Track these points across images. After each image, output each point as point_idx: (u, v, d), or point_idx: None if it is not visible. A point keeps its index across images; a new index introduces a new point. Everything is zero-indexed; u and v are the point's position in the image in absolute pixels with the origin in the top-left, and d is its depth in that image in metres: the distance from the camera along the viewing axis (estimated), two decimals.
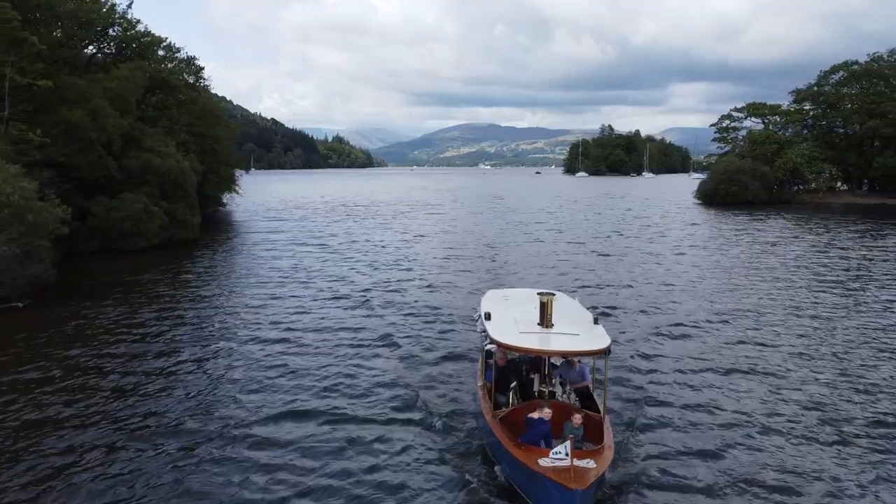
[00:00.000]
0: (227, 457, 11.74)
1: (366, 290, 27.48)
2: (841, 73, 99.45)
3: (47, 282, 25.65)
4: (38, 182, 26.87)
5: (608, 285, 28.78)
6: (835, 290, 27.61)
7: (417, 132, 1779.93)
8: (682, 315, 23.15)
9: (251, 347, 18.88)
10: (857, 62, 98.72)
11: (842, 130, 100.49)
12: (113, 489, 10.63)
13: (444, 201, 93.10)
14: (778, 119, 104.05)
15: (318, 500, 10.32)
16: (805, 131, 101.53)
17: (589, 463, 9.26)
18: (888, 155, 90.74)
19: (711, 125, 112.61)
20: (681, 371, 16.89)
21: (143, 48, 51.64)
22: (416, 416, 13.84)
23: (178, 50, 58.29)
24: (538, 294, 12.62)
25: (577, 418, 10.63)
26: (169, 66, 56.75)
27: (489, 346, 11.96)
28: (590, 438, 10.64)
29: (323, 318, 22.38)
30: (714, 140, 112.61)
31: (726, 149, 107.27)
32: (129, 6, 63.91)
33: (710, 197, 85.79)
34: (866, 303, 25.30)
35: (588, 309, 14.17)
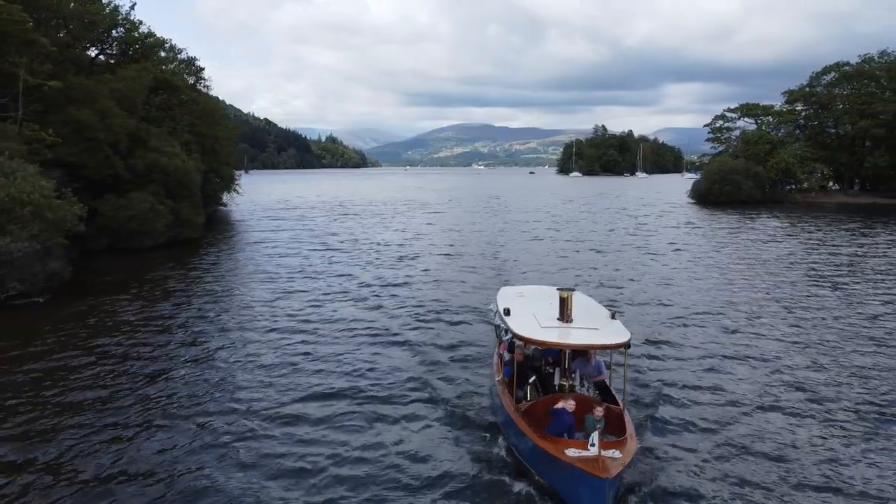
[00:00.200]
0: (266, 433, 12.69)
1: (373, 285, 28.34)
2: (832, 74, 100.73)
3: (63, 278, 26.36)
4: (55, 181, 27.58)
5: (609, 281, 29.67)
6: (825, 284, 28.61)
7: (411, 132, 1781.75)
8: (680, 308, 24.13)
9: (271, 336, 19.83)
10: (848, 63, 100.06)
11: (833, 131, 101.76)
12: (166, 461, 11.55)
13: (441, 201, 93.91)
14: (771, 119, 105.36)
15: (354, 467, 11.30)
16: (797, 131, 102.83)
17: (615, 453, 9.58)
18: (879, 155, 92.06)
19: (705, 125, 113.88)
20: (682, 359, 17.87)
21: (145, 49, 52.33)
22: (434, 396, 14.76)
23: (180, 51, 58.96)
24: (558, 290, 12.99)
25: (599, 411, 10.82)
26: (170, 66, 57.46)
27: (511, 340, 12.27)
28: (611, 430, 10.80)
29: (335, 311, 23.24)
30: (708, 140, 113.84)
31: (720, 149, 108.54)
32: (132, 8, 64.64)
33: (704, 196, 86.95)
34: (855, 295, 26.30)
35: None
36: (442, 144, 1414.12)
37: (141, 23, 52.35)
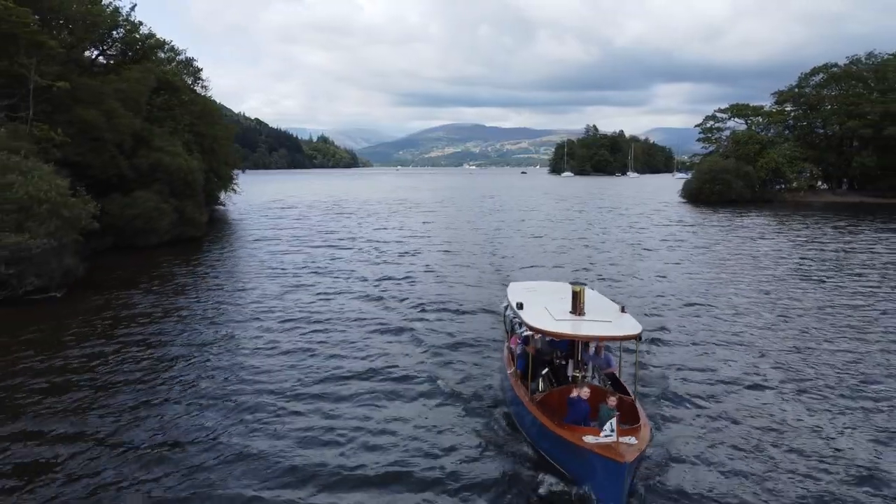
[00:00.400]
0: (294, 409, 13.85)
1: (378, 280, 29.37)
2: (821, 75, 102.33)
3: (77, 275, 27.19)
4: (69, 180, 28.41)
5: (605, 277, 30.75)
6: (812, 278, 29.81)
7: (402, 132, 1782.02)
8: (675, 300, 25.32)
9: (286, 326, 20.97)
10: (836, 65, 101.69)
11: (822, 131, 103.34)
12: (204, 433, 12.64)
13: (436, 200, 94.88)
14: (760, 120, 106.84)
15: (377, 437, 12.50)
16: (786, 132, 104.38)
17: (631, 440, 9.92)
18: (866, 155, 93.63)
19: (696, 125, 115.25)
20: (679, 347, 19.02)
21: (146, 50, 53.04)
22: (445, 377, 15.90)
23: (180, 52, 59.74)
24: (570, 283, 13.45)
25: (612, 400, 11.06)
26: (170, 67, 58.20)
27: (526, 333, 12.87)
28: (624, 419, 10.88)
29: (344, 304, 24.28)
30: (699, 140, 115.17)
31: (710, 149, 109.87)
32: (133, 9, 65.21)
33: (696, 195, 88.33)
34: (844, 287, 27.50)
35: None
36: (433, 144, 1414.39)
37: (141, 24, 53.09)
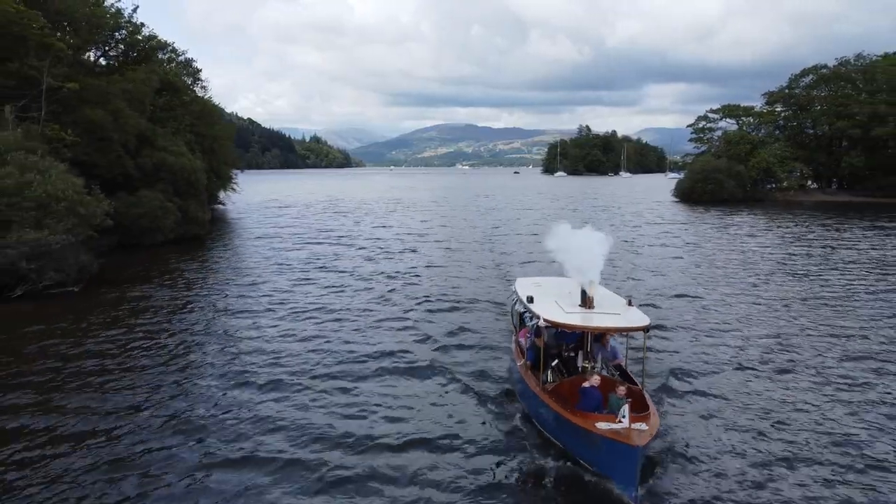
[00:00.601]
0: (317, 387, 15.06)
1: (381, 276, 30.43)
2: (811, 76, 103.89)
3: (92, 271, 28.08)
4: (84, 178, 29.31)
5: (602, 272, 31.70)
6: (800, 273, 31.05)
7: (394, 132, 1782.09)
8: (669, 294, 26.46)
9: (301, 316, 22.09)
10: (825, 66, 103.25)
11: (812, 131, 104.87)
12: (236, 406, 13.78)
13: (431, 200, 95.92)
14: (751, 120, 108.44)
15: (398, 411, 13.75)
16: (777, 132, 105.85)
17: (641, 426, 10.48)
18: (855, 155, 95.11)
19: (688, 126, 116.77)
20: (677, 338, 20.17)
21: (148, 51, 53.82)
22: (456, 360, 17.12)
23: (182, 53, 60.58)
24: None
25: (622, 390, 11.55)
26: (170, 67, 59.01)
27: (540, 324, 13.21)
28: (633, 407, 11.19)
29: (352, 297, 25.36)
30: (691, 140, 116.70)
31: (702, 149, 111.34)
32: (135, 11, 65.88)
33: (688, 195, 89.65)
34: (828, 280, 28.75)
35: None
36: (426, 144, 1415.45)
37: (143, 25, 53.85)
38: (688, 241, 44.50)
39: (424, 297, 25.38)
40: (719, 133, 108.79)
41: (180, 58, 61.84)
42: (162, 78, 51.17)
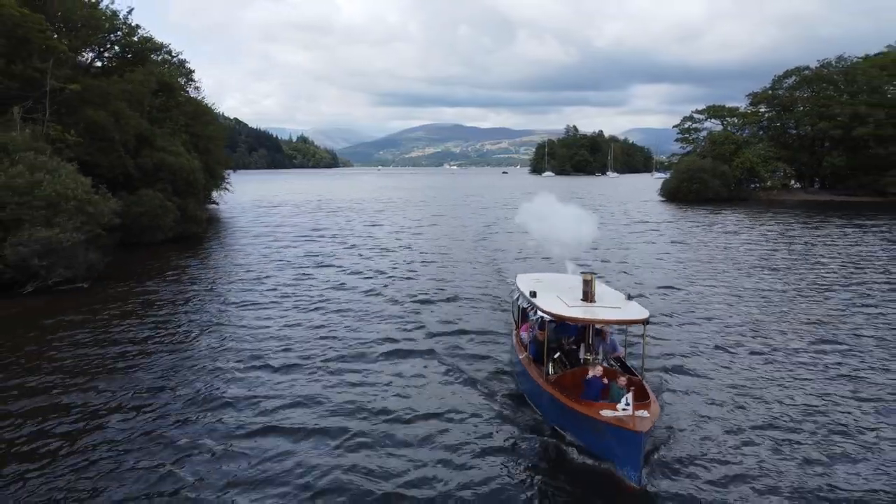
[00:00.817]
0: (329, 370, 16.33)
1: (379, 272, 31.51)
2: (793, 77, 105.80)
3: (100, 268, 29.01)
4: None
5: (596, 269, 33.07)
6: (781, 267, 32.52)
7: (382, 132, 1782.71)
8: (658, 288, 27.85)
9: (307, 307, 23.34)
10: (808, 67, 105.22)
11: (794, 131, 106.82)
12: (250, 388, 14.87)
13: (421, 199, 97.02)
14: (736, 120, 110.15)
15: (407, 389, 14.99)
16: (761, 132, 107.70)
17: (643, 413, 10.94)
18: (836, 155, 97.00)
19: (674, 126, 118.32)
20: (667, 332, 21.33)
21: (144, 53, 54.61)
22: (459, 346, 18.36)
23: (177, 54, 61.40)
24: (581, 273, 14.57)
25: (622, 380, 11.99)
26: (165, 68, 59.80)
27: (541, 319, 13.71)
28: (633, 397, 11.44)
29: (353, 292, 26.50)
30: (676, 140, 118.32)
31: (688, 149, 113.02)
32: (130, 12, 66.52)
33: (674, 194, 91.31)
34: (804, 275, 30.23)
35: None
36: (413, 144, 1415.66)
37: (138, 27, 54.61)
38: (674, 238, 45.94)
39: (422, 291, 26.53)
40: (704, 133, 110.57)
41: (174, 59, 62.67)
42: (158, 79, 51.98)
